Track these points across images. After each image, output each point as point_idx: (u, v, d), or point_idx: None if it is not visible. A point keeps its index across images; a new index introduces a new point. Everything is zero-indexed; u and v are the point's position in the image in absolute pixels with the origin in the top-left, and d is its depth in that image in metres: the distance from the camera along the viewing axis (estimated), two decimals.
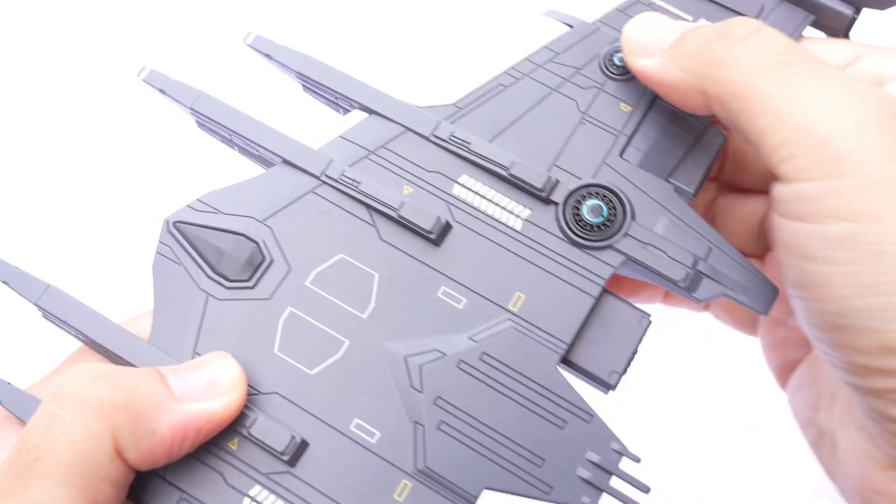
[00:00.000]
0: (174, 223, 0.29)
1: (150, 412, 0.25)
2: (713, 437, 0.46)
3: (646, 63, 0.29)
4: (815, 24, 0.32)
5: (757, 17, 0.31)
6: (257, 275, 0.28)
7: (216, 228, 0.29)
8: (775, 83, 0.25)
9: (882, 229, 0.23)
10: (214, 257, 0.29)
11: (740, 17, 0.27)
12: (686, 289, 0.28)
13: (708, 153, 0.30)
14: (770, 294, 0.28)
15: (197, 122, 0.32)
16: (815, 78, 0.25)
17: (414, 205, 0.29)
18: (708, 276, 0.28)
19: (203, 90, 0.31)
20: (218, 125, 0.31)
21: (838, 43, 0.30)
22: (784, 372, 0.34)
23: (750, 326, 0.36)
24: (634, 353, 0.28)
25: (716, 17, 0.31)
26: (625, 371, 0.28)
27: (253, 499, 0.26)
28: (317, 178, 0.29)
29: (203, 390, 0.26)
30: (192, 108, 0.31)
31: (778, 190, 0.26)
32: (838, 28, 0.31)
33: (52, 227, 0.53)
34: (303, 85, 0.33)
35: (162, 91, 0.31)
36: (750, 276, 0.28)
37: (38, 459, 0.24)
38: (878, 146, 0.24)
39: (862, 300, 0.23)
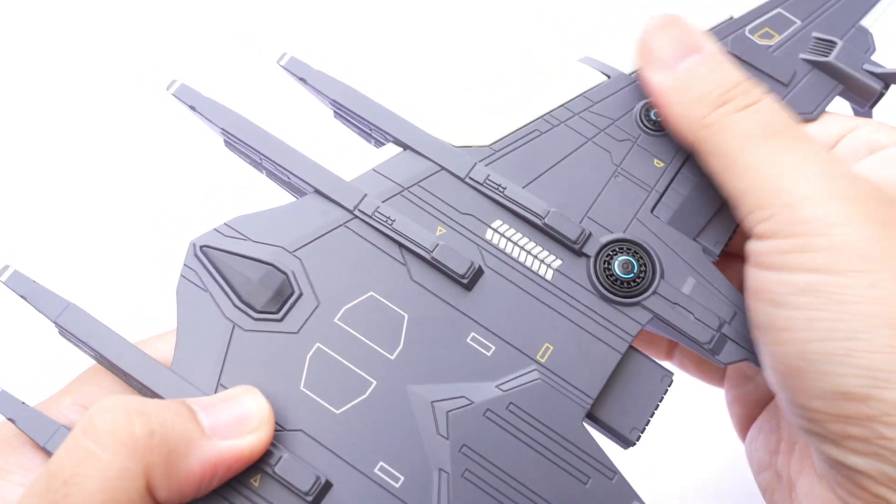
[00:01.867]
0: (201, 247, 0.29)
1: (183, 450, 0.24)
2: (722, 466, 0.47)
3: (652, 77, 0.30)
4: (843, 95, 0.33)
5: (789, 83, 0.32)
6: (286, 307, 0.28)
7: (245, 256, 0.28)
8: (759, 151, 0.28)
9: (843, 282, 0.25)
10: (242, 286, 0.28)
11: (746, 85, 0.29)
12: (710, 351, 0.29)
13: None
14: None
15: (225, 141, 0.31)
16: (796, 150, 0.27)
17: (447, 247, 0.29)
18: (732, 340, 0.29)
19: (235, 110, 0.31)
20: (249, 148, 0.30)
21: (841, 117, 0.31)
22: (745, 423, 0.35)
23: (717, 379, 0.38)
24: (656, 409, 0.28)
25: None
26: (645, 428, 0.28)
27: None
28: (350, 211, 0.29)
29: (233, 427, 0.26)
30: (223, 129, 0.30)
31: (753, 245, 0.28)
32: (865, 100, 0.32)
33: (64, 237, 0.51)
34: (335, 112, 0.32)
35: (192, 108, 0.31)
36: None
37: (68, 496, 0.23)
38: (844, 213, 0.26)
39: (821, 344, 0.25)
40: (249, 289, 0.28)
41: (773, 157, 0.27)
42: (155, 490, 0.24)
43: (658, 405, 0.29)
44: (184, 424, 0.25)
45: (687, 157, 0.31)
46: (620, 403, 0.28)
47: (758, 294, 0.27)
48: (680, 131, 0.29)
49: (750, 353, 0.29)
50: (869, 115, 0.33)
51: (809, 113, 0.31)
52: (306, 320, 0.28)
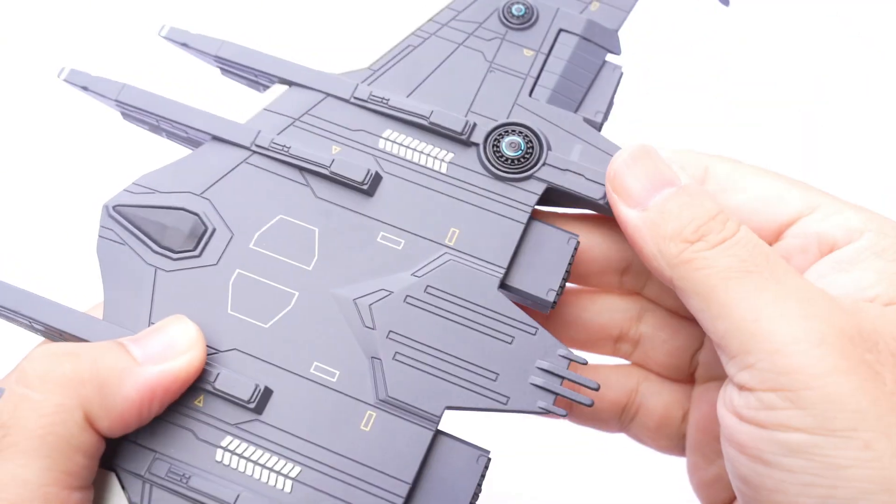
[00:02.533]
0: (114, 207, 0.30)
1: (116, 380, 0.26)
2: None
3: (626, 213, 0.29)
4: None
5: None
6: (202, 244, 0.30)
7: (156, 206, 0.30)
8: (736, 290, 0.26)
9: (836, 443, 0.24)
10: (158, 233, 0.30)
11: (721, 218, 0.28)
12: (606, 206, 0.30)
13: (609, 86, 0.33)
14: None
15: (122, 113, 0.33)
16: (773, 288, 0.26)
17: (343, 160, 0.30)
18: None
19: (126, 82, 0.32)
20: (145, 113, 0.32)
21: (794, 186, 0.30)
22: None
23: (678, 450, 0.35)
24: (567, 271, 0.30)
25: None
26: (561, 288, 0.30)
27: (225, 448, 0.27)
28: (247, 148, 0.31)
29: (164, 352, 0.27)
30: (116, 101, 0.32)
31: (735, 396, 0.27)
32: None
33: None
34: (221, 69, 0.34)
35: (84, 88, 0.32)
36: None
37: (6, 436, 0.24)
38: (829, 361, 0.24)
39: None
40: (165, 234, 0.30)
41: (751, 297, 0.26)
42: (95, 422, 0.25)
43: (569, 265, 0.30)
44: (115, 357, 0.26)
45: (554, 41, 0.33)
46: (532, 270, 0.30)
47: (743, 448, 0.26)
48: (656, 269, 0.28)
49: None
50: None
51: None
52: (223, 252, 0.30)
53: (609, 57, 0.34)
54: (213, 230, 0.30)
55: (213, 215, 0.30)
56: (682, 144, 0.32)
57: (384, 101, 0.32)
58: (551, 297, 0.30)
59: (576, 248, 0.30)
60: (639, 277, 0.33)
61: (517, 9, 0.33)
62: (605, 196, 0.30)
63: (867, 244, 0.28)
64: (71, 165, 0.56)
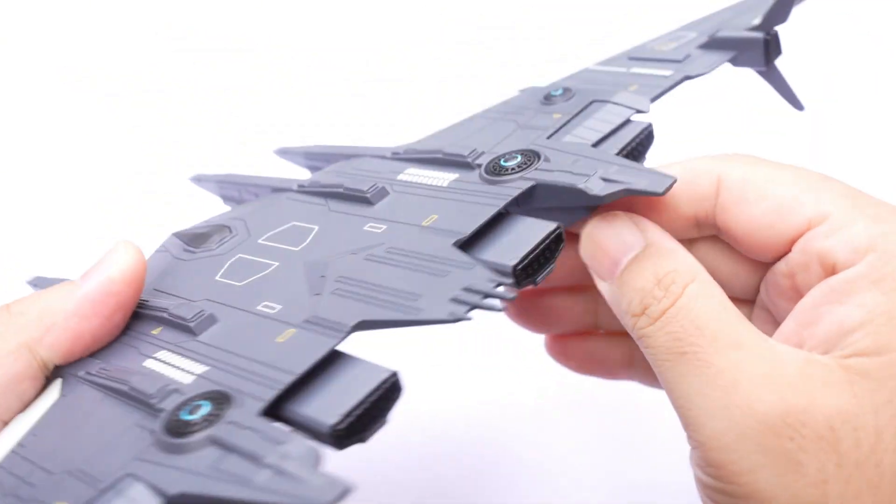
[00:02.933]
0: (174, 233, 0.35)
1: (59, 307, 0.28)
2: None
3: (601, 287, 0.30)
4: (738, 62, 0.36)
5: (682, 59, 0.35)
6: (221, 243, 0.33)
7: (203, 225, 0.35)
8: (671, 374, 0.26)
9: None
10: (193, 240, 0.34)
11: (666, 282, 0.27)
12: (592, 196, 0.29)
13: (629, 133, 0.32)
14: (666, 180, 0.28)
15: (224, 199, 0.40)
16: (704, 372, 0.25)
17: (356, 178, 0.33)
18: (607, 180, 0.29)
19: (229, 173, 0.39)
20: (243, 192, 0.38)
21: (811, 188, 0.28)
22: None
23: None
24: (536, 248, 0.28)
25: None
26: (522, 261, 0.27)
27: (155, 357, 0.27)
28: (292, 190, 0.35)
29: (100, 267, 0.28)
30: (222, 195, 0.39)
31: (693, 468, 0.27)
32: (756, 55, 0.35)
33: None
34: (309, 168, 0.41)
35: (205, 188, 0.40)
36: (646, 173, 0.29)
37: None
38: (748, 459, 0.24)
39: None
40: (197, 239, 0.34)
41: (683, 384, 0.26)
42: (44, 357, 0.27)
43: (541, 243, 0.28)
44: (60, 292, 0.28)
45: (585, 107, 0.34)
46: (500, 246, 0.28)
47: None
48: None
49: (625, 183, 0.28)
50: (776, 75, 0.35)
51: (701, 73, 0.35)
52: (235, 246, 0.33)
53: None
54: (235, 234, 0.33)
55: (240, 225, 0.34)
56: (696, 150, 0.32)
57: (412, 149, 0.35)
58: (511, 262, 0.27)
59: (553, 232, 0.28)
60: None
61: (555, 89, 0.36)
62: (602, 190, 0.28)
63: (866, 270, 0.25)
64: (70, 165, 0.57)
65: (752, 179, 0.28)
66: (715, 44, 0.36)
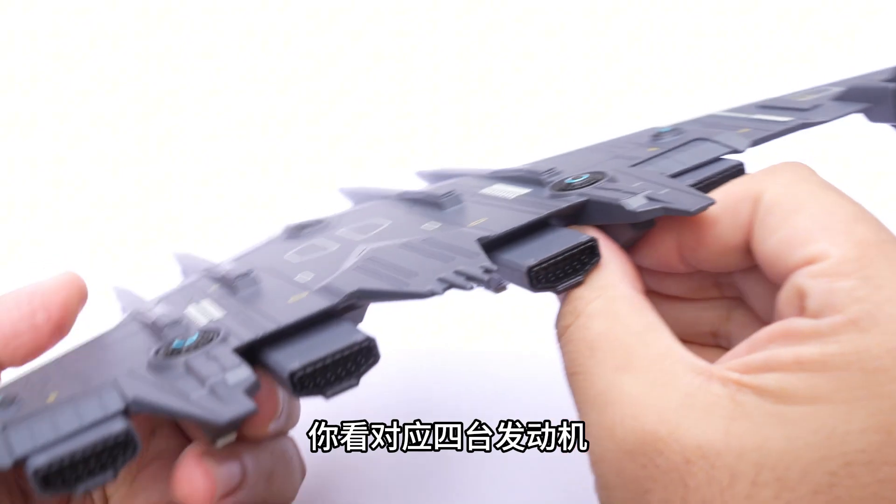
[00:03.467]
0: (287, 224, 0.39)
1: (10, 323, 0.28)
2: None
3: None
4: (871, 115, 0.33)
5: (809, 108, 0.33)
6: (310, 233, 0.36)
7: None
8: (571, 390, 0.26)
9: None
10: (294, 229, 0.37)
11: (572, 298, 0.27)
12: (634, 213, 0.28)
13: (710, 171, 0.30)
14: (702, 201, 0.27)
15: None
16: (585, 391, 0.25)
17: (446, 189, 0.35)
18: (651, 199, 0.28)
19: None
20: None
21: (827, 228, 0.25)
22: None
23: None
24: (559, 255, 0.27)
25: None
26: (540, 264, 0.27)
27: (197, 304, 0.31)
28: (393, 197, 0.38)
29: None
30: None
31: None
32: (887, 108, 0.32)
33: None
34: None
35: None
36: (691, 195, 0.28)
37: None
38: (605, 478, 0.24)
39: None
40: (298, 227, 0.38)
41: (576, 401, 0.26)
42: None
43: (568, 252, 0.27)
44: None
45: (683, 144, 0.33)
46: (527, 249, 0.28)
47: None
48: None
49: (665, 203, 0.28)
50: None
51: (821, 122, 0.32)
52: (316, 234, 0.36)
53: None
54: (325, 226, 0.36)
55: (335, 220, 0.37)
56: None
57: (509, 169, 0.36)
58: (527, 263, 0.27)
59: (583, 244, 0.27)
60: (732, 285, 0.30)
61: (666, 128, 0.35)
62: (639, 206, 0.28)
63: (825, 329, 0.22)
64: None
65: (781, 204, 0.26)
66: (849, 95, 0.33)
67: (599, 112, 0.54)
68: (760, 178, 0.27)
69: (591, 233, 0.28)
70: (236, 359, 0.24)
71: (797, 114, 0.33)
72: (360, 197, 0.42)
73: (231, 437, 0.27)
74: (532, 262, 0.27)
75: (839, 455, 0.21)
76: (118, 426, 0.22)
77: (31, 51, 0.60)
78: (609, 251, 0.28)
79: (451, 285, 0.26)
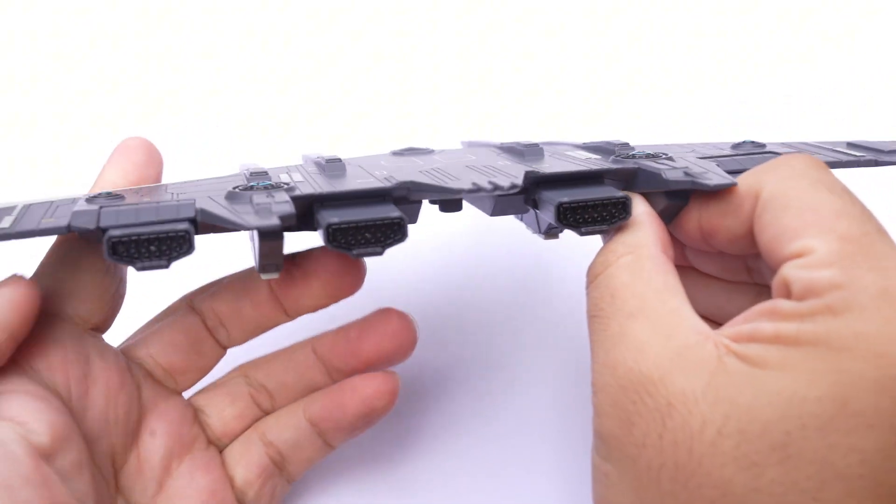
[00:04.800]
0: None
1: None
2: None
3: None
4: None
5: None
6: (425, 154, 0.39)
7: None
8: (589, 332, 0.29)
9: (597, 476, 0.28)
10: (408, 150, 0.40)
11: (605, 252, 0.30)
12: (660, 177, 0.30)
13: None
14: (721, 181, 0.29)
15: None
16: (601, 335, 0.28)
17: (537, 147, 0.37)
18: (687, 174, 0.30)
19: None
20: None
21: (815, 225, 0.27)
22: None
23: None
24: (591, 202, 0.29)
25: None
26: (571, 203, 0.29)
27: (290, 172, 0.34)
28: (494, 146, 0.40)
29: None
30: None
31: None
32: None
33: None
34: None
35: None
36: (721, 176, 0.30)
37: None
38: (602, 408, 0.27)
39: None
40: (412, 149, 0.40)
41: (590, 341, 0.29)
42: None
43: (594, 200, 0.29)
44: None
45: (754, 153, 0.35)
46: (568, 192, 0.30)
47: None
48: None
49: (695, 178, 0.30)
50: None
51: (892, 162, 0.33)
52: (430, 157, 0.38)
53: None
54: (428, 152, 0.39)
55: (439, 151, 0.40)
56: None
57: (592, 141, 0.38)
58: (560, 199, 0.29)
59: (616, 198, 0.29)
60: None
61: (749, 140, 0.37)
62: (672, 177, 0.30)
63: (805, 310, 0.25)
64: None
65: (774, 201, 0.28)
66: None
67: (600, 112, 0.54)
68: (761, 174, 0.29)
69: (637, 198, 0.31)
70: (286, 198, 0.28)
71: (875, 153, 0.34)
72: (475, 146, 0.43)
73: (274, 274, 0.31)
74: (565, 199, 0.29)
75: (796, 417, 0.23)
76: (182, 226, 0.27)
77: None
78: (647, 216, 0.30)
79: (478, 188, 0.29)
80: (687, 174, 0.30)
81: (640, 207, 0.30)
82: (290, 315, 0.36)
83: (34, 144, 0.53)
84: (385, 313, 0.36)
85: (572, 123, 0.54)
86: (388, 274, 0.38)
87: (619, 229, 0.30)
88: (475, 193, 0.29)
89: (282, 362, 0.37)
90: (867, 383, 0.23)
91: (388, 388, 0.36)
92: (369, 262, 0.34)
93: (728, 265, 0.34)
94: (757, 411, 0.24)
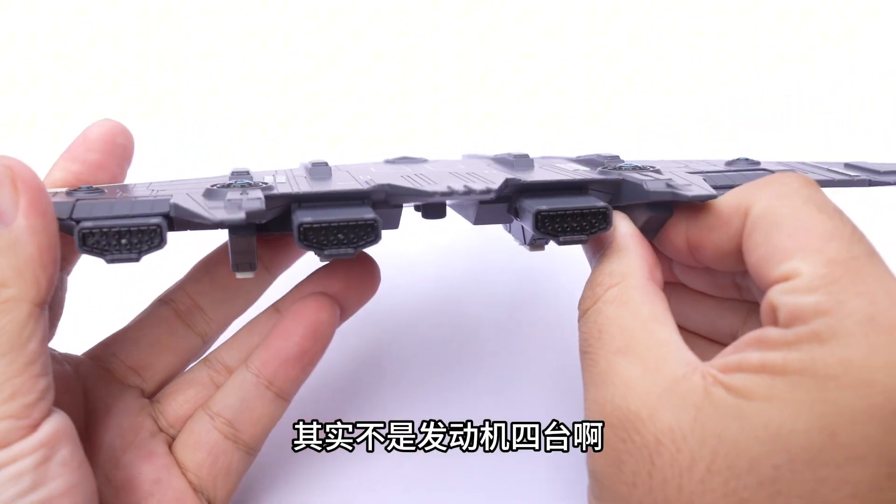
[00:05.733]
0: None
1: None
2: None
3: None
4: None
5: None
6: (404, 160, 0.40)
7: None
8: (581, 367, 0.29)
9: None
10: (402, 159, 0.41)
11: (593, 283, 0.29)
12: (642, 188, 0.30)
13: None
14: (699, 192, 0.29)
15: None
16: (590, 371, 0.28)
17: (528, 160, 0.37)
18: (669, 185, 0.30)
19: None
20: None
21: (808, 246, 0.26)
22: None
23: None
24: (570, 211, 0.29)
25: None
26: (550, 212, 0.29)
27: (276, 175, 0.34)
28: (489, 158, 0.40)
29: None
30: None
31: None
32: None
33: None
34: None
35: None
36: (701, 188, 0.30)
37: None
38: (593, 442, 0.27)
39: None
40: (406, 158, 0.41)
41: (583, 377, 0.28)
42: (41, 303, 0.26)
43: (573, 210, 0.29)
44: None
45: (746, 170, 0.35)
46: (548, 201, 0.30)
47: None
48: None
49: (675, 189, 0.30)
50: None
51: (888, 183, 0.32)
52: (422, 165, 0.38)
53: None
54: (420, 161, 0.40)
55: (432, 160, 0.40)
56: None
57: (584, 154, 0.38)
58: (539, 207, 0.29)
59: (597, 208, 0.29)
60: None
61: (743, 157, 0.36)
62: (653, 188, 0.29)
63: (792, 338, 0.24)
64: None
65: (763, 220, 0.27)
66: None
67: (600, 119, 0.54)
68: (751, 191, 0.28)
69: (621, 218, 0.30)
70: (260, 195, 0.28)
71: (871, 174, 0.33)
72: (473, 157, 0.43)
73: (248, 274, 0.30)
74: (544, 207, 0.29)
75: (784, 450, 0.23)
76: (154, 220, 0.27)
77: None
78: (632, 238, 0.30)
79: (452, 192, 0.29)
80: (668, 185, 0.30)
81: (625, 228, 0.30)
82: (272, 273, 0.36)
83: (33, 144, 0.53)
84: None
85: (573, 129, 0.53)
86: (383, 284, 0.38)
87: (605, 255, 0.30)
88: (448, 196, 0.29)
89: (246, 332, 0.36)
90: (855, 413, 0.23)
91: (327, 303, 0.35)
92: None
93: (716, 281, 0.33)
94: (744, 446, 0.23)
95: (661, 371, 0.26)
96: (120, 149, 0.34)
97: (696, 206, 0.29)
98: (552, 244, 0.32)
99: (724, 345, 0.33)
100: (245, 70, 0.55)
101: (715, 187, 0.30)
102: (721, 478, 0.23)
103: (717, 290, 0.33)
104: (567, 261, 0.37)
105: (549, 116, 0.53)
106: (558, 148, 0.51)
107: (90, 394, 0.33)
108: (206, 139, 0.53)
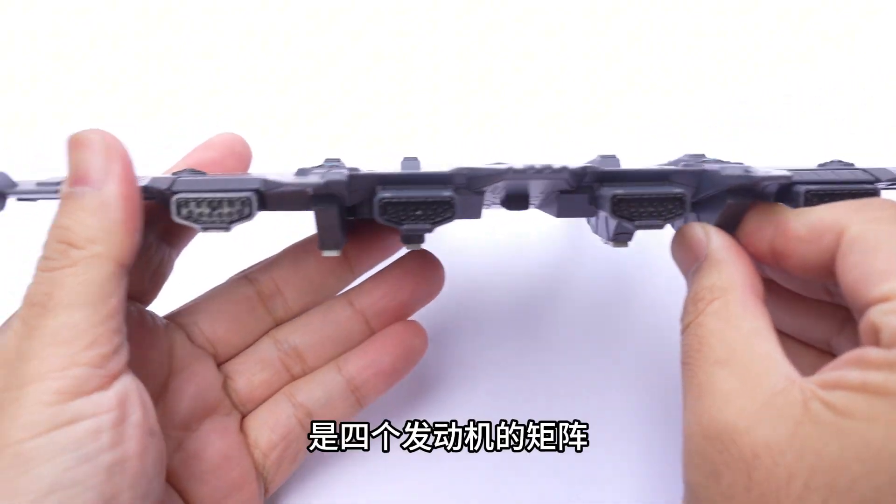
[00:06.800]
0: None
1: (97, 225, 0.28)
2: None
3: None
4: None
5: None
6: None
7: None
8: (682, 373, 0.29)
9: None
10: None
11: (700, 294, 0.29)
12: (719, 174, 0.30)
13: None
14: (770, 187, 0.30)
15: None
16: (688, 381, 0.28)
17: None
18: (746, 171, 0.30)
19: None
20: None
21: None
22: None
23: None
24: (646, 197, 0.30)
25: None
26: (626, 196, 0.30)
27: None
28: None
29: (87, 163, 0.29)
30: None
31: None
32: None
33: None
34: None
35: None
36: (776, 181, 0.30)
37: (51, 298, 0.27)
38: (689, 458, 0.27)
39: None
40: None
41: (683, 388, 0.29)
42: (124, 264, 0.28)
43: (649, 196, 0.30)
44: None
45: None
46: (627, 188, 0.31)
47: None
48: None
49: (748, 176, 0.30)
50: None
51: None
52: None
53: None
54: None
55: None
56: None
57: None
58: (615, 192, 0.30)
59: (674, 195, 0.30)
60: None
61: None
62: (728, 173, 0.30)
63: (893, 358, 0.24)
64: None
65: (862, 241, 0.27)
66: None
67: (601, 111, 0.54)
68: (847, 212, 0.28)
69: (716, 232, 0.30)
70: (345, 171, 0.29)
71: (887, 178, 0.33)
72: None
73: (334, 252, 0.32)
74: (620, 192, 0.30)
75: (886, 471, 0.23)
76: (245, 194, 0.29)
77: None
78: (729, 251, 0.30)
79: (530, 169, 0.29)
80: (745, 170, 0.30)
81: (719, 241, 0.30)
82: (355, 273, 0.38)
83: (34, 144, 0.53)
84: (410, 257, 0.38)
85: (573, 129, 0.53)
86: (455, 280, 0.39)
87: (702, 269, 0.30)
88: (524, 176, 0.30)
89: (319, 319, 0.38)
90: None
91: (419, 330, 0.38)
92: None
93: (806, 284, 0.33)
94: (845, 464, 0.23)
95: (760, 384, 0.26)
96: (237, 156, 0.36)
97: (784, 211, 0.30)
98: (634, 242, 0.33)
99: (816, 349, 0.34)
100: (245, 70, 0.55)
101: (803, 182, 0.30)
102: (819, 495, 0.23)
103: (806, 291, 0.34)
104: (650, 269, 0.36)
105: (549, 116, 0.53)
106: (558, 148, 0.51)
107: (175, 354, 0.35)
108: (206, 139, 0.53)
